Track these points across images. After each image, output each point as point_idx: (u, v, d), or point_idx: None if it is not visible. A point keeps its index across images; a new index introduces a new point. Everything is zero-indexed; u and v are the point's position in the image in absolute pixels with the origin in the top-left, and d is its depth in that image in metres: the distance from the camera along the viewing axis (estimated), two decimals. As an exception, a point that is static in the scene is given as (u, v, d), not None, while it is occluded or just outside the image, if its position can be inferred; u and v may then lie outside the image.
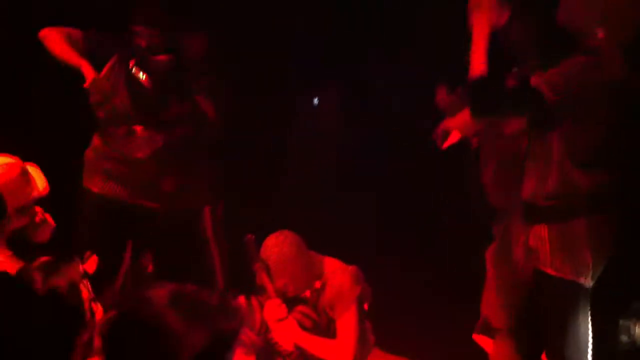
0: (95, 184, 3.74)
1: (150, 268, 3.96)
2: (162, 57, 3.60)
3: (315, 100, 4.75)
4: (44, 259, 2.15)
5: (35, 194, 2.84)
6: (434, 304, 3.90)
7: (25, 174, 2.82)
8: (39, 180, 2.90)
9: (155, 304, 1.49)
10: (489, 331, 3.23)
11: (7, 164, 2.78)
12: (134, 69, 3.66)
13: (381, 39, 4.35)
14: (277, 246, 3.29)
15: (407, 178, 4.22)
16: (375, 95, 4.43)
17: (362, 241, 3.98)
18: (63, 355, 1.96)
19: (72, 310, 2.04)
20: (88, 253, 2.97)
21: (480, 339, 3.29)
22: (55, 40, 3.54)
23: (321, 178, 4.51)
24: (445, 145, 3.12)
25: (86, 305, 2.09)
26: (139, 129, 3.66)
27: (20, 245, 2.77)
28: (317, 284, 3.37)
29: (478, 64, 2.58)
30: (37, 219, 2.84)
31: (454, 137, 3.13)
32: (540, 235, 2.68)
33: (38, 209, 2.86)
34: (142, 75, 3.66)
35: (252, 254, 3.35)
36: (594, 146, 2.63)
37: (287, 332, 3.31)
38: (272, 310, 3.32)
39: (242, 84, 4.07)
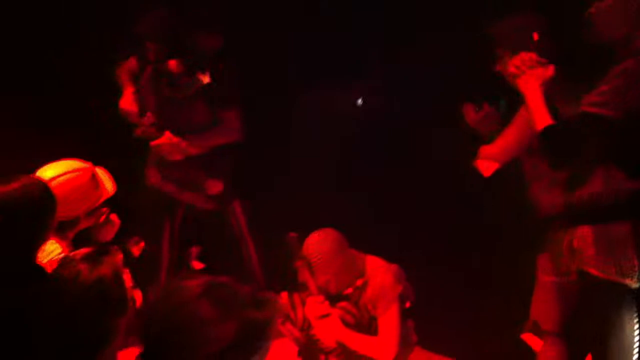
0: (154, 181, 3.94)
1: (197, 265, 4.08)
2: (171, 63, 3.76)
3: (360, 101, 4.75)
4: (86, 249, 2.23)
5: (104, 197, 2.96)
6: (474, 301, 3.87)
7: (95, 178, 2.93)
8: (108, 183, 3.01)
9: (189, 294, 1.54)
10: (538, 331, 3.20)
11: (79, 169, 2.89)
12: (154, 79, 3.85)
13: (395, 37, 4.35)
14: (319, 244, 3.32)
15: (435, 174, 4.20)
16: (397, 94, 4.41)
17: (400, 240, 3.98)
18: (105, 339, 2.05)
19: (117, 297, 2.11)
20: (136, 238, 3.09)
21: (529, 338, 3.26)
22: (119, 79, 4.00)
23: (345, 176, 4.52)
24: (488, 174, 3.09)
25: (128, 293, 2.16)
26: (168, 135, 3.83)
27: (84, 245, 2.89)
28: (359, 282, 3.39)
29: (542, 119, 2.58)
30: (102, 219, 2.95)
31: (494, 165, 3.09)
32: (585, 236, 2.67)
33: (104, 209, 2.98)
34: (161, 84, 3.84)
35: (295, 251, 3.38)
36: None
37: (329, 328, 3.34)
38: (315, 307, 3.35)
39: (257, 83, 4.16)
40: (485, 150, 3.06)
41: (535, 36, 2.78)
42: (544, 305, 3.10)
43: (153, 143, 3.88)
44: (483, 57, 3.06)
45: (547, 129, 2.56)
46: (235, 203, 4.09)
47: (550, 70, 2.63)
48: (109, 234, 2.99)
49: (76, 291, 2.07)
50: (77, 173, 2.87)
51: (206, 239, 4.01)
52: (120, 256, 2.16)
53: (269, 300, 1.60)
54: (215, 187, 3.97)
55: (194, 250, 4.20)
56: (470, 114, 3.22)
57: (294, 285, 3.45)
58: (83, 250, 2.17)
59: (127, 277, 2.21)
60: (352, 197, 4.39)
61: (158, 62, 3.78)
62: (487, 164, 3.04)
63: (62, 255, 2.68)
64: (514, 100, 3.05)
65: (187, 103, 3.86)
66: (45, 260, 2.64)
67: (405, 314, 3.42)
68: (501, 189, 3.82)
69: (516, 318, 3.47)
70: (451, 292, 3.91)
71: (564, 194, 2.76)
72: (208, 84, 3.83)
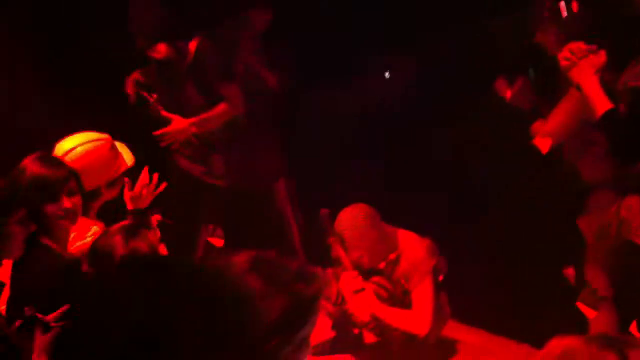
0: (174, 158, 3.98)
1: (220, 243, 4.09)
2: (159, 49, 3.76)
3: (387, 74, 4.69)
4: (123, 222, 2.24)
5: (123, 168, 2.96)
6: (508, 273, 3.86)
7: (114, 149, 2.95)
8: (127, 156, 3.02)
9: (236, 269, 1.54)
10: (593, 299, 3.18)
11: (97, 141, 2.90)
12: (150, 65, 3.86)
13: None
14: (351, 219, 3.31)
15: (474, 149, 4.17)
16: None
17: (434, 212, 3.96)
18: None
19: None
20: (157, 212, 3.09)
21: (583, 307, 3.25)
22: None
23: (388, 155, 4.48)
24: (545, 151, 3.06)
25: None
26: (172, 117, 3.85)
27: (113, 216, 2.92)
28: (392, 256, 3.38)
29: (601, 105, 2.57)
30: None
31: (549, 142, 3.07)
32: (631, 206, 2.64)
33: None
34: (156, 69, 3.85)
35: (328, 227, 3.39)
36: None
37: (363, 303, 3.34)
38: (348, 282, 3.35)
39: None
40: (540, 127, 3.04)
41: (575, 5, 2.76)
42: (597, 269, 3.09)
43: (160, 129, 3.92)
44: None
45: (608, 114, 2.55)
46: (280, 182, 4.10)
47: (602, 56, 2.61)
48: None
49: (111, 262, 2.09)
50: (95, 143, 2.89)
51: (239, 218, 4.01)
52: (157, 231, 2.17)
53: (315, 275, 1.60)
54: (220, 166, 3.99)
55: (212, 227, 4.21)
56: (504, 90, 3.19)
57: (327, 260, 3.46)
58: (122, 223, 2.19)
59: (162, 251, 2.22)
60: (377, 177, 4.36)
61: (146, 48, 3.81)
62: (543, 141, 3.01)
63: (97, 229, 2.72)
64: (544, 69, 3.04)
65: (181, 84, 3.88)
66: (88, 239, 2.67)
67: (438, 287, 3.42)
68: (531, 161, 3.81)
69: (550, 288, 3.47)
70: (484, 264, 3.89)
71: (617, 164, 2.75)
72: (194, 64, 3.84)
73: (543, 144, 3.02)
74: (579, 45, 2.63)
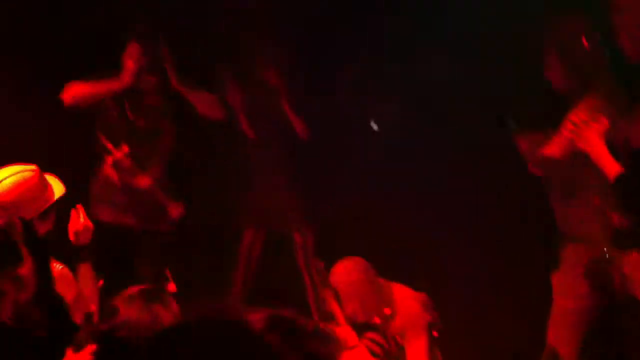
0: (102, 214, 3.81)
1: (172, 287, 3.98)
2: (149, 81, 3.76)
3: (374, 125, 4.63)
4: (142, 287, 2.17)
5: (53, 199, 2.91)
6: (499, 328, 3.81)
7: (42, 180, 2.90)
8: (56, 186, 2.97)
9: (252, 328, 1.48)
10: None
11: (25, 172, 2.86)
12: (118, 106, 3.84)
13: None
14: (346, 272, 3.27)
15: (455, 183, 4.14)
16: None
17: (426, 262, 3.92)
18: None
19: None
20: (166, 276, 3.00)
21: None
22: None
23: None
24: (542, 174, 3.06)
25: None
26: (136, 161, 3.78)
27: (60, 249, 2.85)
28: (387, 311, 3.33)
29: (612, 169, 2.62)
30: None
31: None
32: (636, 262, 2.62)
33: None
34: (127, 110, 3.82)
35: (322, 280, 3.33)
36: None
37: (357, 359, 3.27)
38: (342, 337, 3.28)
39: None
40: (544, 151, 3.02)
41: (585, 41, 2.80)
42: (562, 331, 3.04)
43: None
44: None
45: (620, 179, 2.59)
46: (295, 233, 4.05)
47: (604, 122, 2.65)
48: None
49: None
50: (23, 175, 2.84)
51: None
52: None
53: (331, 335, 1.55)
54: (177, 210, 3.93)
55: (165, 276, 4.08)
56: (522, 145, 3.14)
57: (321, 316, 3.40)
58: (142, 287, 2.12)
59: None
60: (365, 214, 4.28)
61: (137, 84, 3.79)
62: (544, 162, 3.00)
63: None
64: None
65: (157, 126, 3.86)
66: None
67: (433, 343, 3.36)
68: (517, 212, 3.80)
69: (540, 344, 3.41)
70: (478, 320, 3.84)
71: (617, 220, 2.74)
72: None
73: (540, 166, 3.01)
74: (579, 116, 2.67)
